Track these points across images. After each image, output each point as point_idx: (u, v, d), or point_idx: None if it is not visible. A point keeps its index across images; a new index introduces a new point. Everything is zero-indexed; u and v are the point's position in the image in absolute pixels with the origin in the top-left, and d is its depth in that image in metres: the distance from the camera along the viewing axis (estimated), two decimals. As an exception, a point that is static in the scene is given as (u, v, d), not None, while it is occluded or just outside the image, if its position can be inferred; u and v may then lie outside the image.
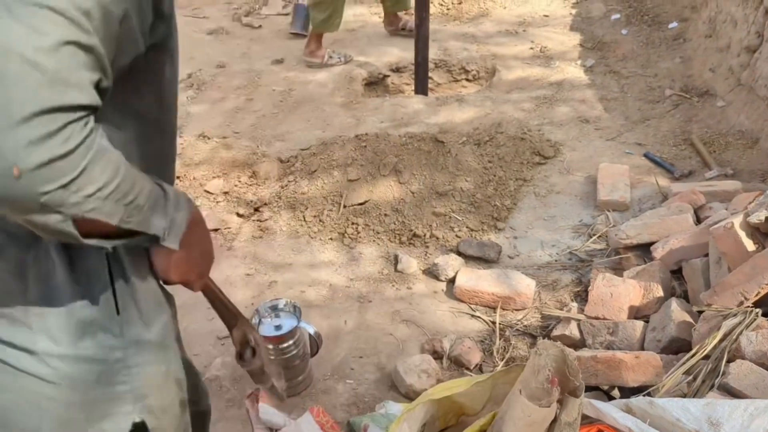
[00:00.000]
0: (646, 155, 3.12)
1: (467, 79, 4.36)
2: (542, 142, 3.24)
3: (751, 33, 3.28)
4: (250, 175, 3.06)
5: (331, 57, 4.15)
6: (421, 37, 3.77)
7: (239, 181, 3.02)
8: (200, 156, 3.17)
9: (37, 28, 0.68)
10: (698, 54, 3.86)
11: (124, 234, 0.84)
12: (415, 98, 3.84)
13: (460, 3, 4.97)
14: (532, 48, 4.33)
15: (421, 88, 3.90)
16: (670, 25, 4.29)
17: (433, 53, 4.22)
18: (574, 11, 4.76)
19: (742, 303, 1.84)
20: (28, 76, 0.67)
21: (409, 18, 4.44)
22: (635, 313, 2.14)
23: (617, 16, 4.54)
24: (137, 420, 1.00)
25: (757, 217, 1.91)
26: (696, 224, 2.40)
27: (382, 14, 4.58)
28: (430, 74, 4.19)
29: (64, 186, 0.71)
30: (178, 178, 3.08)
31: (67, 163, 0.71)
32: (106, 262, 0.92)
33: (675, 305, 1.99)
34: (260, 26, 4.74)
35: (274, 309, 1.99)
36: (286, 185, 2.97)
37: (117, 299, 0.93)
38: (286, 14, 4.85)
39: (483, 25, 4.71)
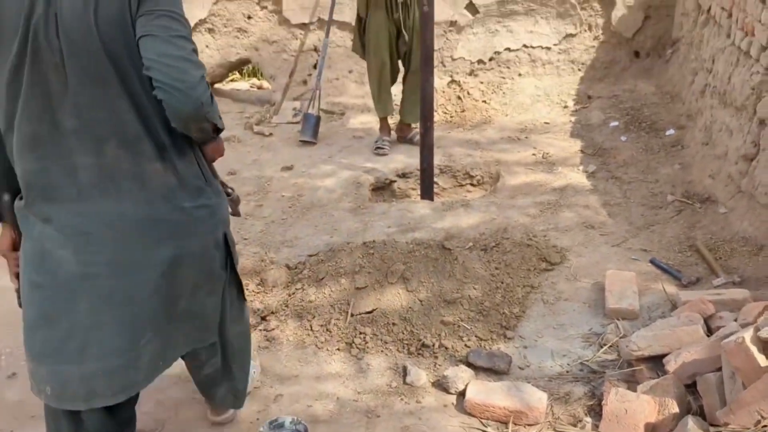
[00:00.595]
0: (652, 261, 3.14)
1: (472, 184, 4.46)
2: (548, 248, 3.27)
3: (747, 142, 3.38)
4: (258, 283, 3.08)
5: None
6: (426, 144, 3.90)
7: (247, 289, 3.03)
8: (209, 263, 3.20)
9: (175, 43, 1.58)
10: (697, 161, 3.96)
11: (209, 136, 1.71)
12: (421, 203, 3.91)
13: (463, 111, 5.17)
14: (534, 154, 4.46)
15: (427, 193, 3.99)
16: (667, 132, 4.44)
17: (438, 159, 4.35)
18: (573, 119, 4.94)
19: (759, 422, 1.79)
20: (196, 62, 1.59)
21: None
22: (651, 431, 2.08)
23: (616, 123, 4.71)
24: (225, 232, 1.87)
25: (767, 332, 1.89)
26: (707, 335, 2.38)
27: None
28: (435, 179, 4.29)
29: (211, 108, 1.61)
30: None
31: (211, 97, 1.60)
32: (195, 158, 1.74)
33: (692, 423, 1.94)
34: (271, 134, 4.92)
35: (280, 428, 1.94)
36: (294, 293, 2.98)
37: (204, 175, 1.77)
38: (297, 122, 5.05)
39: (486, 132, 4.88)
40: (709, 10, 4.30)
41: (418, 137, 4.43)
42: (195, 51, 1.61)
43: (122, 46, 1.53)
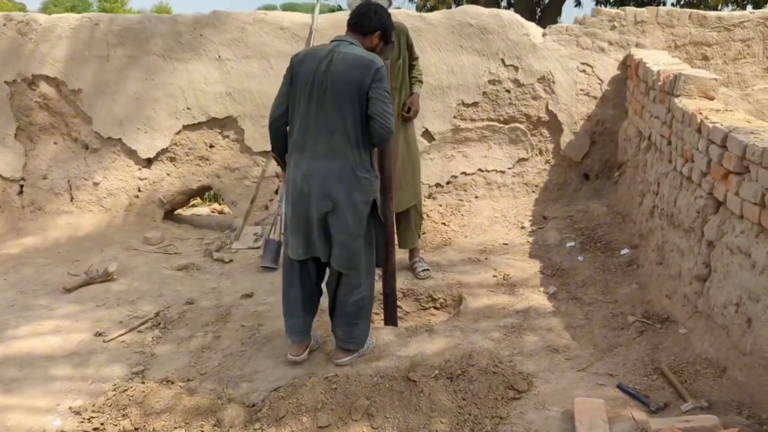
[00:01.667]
0: (619, 387, 3.09)
1: (435, 307, 4.44)
2: (515, 374, 3.21)
3: (698, 263, 3.48)
4: (213, 424, 2.91)
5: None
6: (388, 270, 3.89)
7: (202, 431, 2.86)
8: (162, 404, 3.03)
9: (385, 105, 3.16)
10: (653, 280, 4.05)
11: None
12: (385, 329, 3.84)
13: (423, 233, 5.24)
14: (495, 276, 4.49)
15: (391, 319, 3.94)
16: (622, 252, 4.56)
17: (401, 283, 4.35)
18: (531, 239, 5.05)
19: None
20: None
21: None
22: None
23: (572, 243, 4.82)
24: (375, 198, 3.24)
25: (743, 469, 1.84)
26: (682, 467, 2.31)
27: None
28: (398, 303, 4.26)
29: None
30: (136, 430, 2.91)
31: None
32: (369, 156, 3.22)
33: None
34: (231, 261, 4.87)
35: None
36: (252, 434, 2.81)
37: (372, 165, 3.23)
38: (257, 248, 5.02)
39: (446, 254, 4.93)
40: (650, 137, 4.58)
41: (421, 269, 4.53)
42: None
43: (359, 97, 3.07)
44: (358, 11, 3.30)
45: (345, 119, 3.06)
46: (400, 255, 4.74)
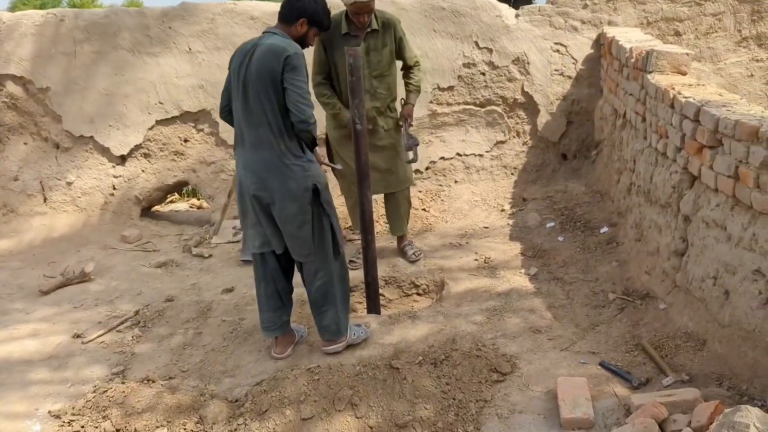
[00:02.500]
0: (601, 364, 3.11)
1: (418, 293, 4.43)
2: (498, 357, 3.21)
3: (675, 238, 3.50)
4: (196, 421, 2.88)
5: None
6: (369, 258, 3.86)
7: (185, 429, 2.83)
8: (143, 403, 2.99)
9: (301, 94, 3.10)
10: (632, 257, 4.07)
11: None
12: (367, 318, 3.82)
13: (405, 220, 5.22)
14: (476, 259, 4.49)
15: (374, 308, 3.91)
16: (602, 230, 4.58)
17: (383, 270, 4.33)
18: (511, 221, 5.05)
19: None
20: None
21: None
22: None
23: (552, 224, 4.83)
24: (315, 183, 3.13)
25: (722, 440, 1.85)
26: (664, 441, 2.32)
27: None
28: (381, 291, 4.24)
29: (310, 129, 3.08)
30: (118, 431, 2.87)
31: (313, 125, 3.11)
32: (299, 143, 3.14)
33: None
34: (210, 256, 4.82)
35: None
36: (236, 429, 2.79)
37: (303, 150, 3.13)
38: (237, 242, 4.98)
39: (427, 240, 4.92)
40: (624, 114, 4.59)
41: (411, 252, 4.51)
42: (309, 94, 3.09)
43: (273, 88, 3.03)
44: None
45: (265, 110, 3.03)
46: (388, 242, 4.73)
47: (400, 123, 4.36)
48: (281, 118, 3.04)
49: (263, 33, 3.18)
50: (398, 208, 4.56)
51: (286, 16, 3.16)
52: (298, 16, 3.15)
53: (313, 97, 3.18)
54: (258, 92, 3.03)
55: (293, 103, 2.98)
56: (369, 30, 4.13)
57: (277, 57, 2.99)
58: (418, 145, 4.36)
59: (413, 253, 4.56)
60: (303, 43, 3.20)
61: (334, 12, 4.29)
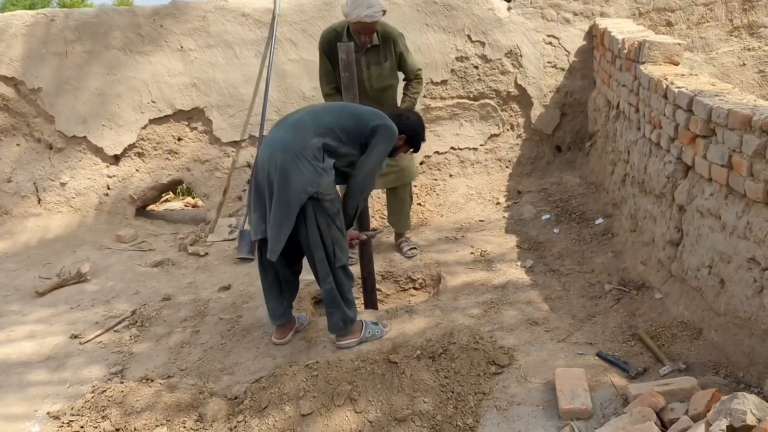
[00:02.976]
0: (599, 355, 3.13)
1: (414, 288, 4.44)
2: (496, 349, 3.22)
3: (670, 228, 3.51)
4: (196, 419, 2.88)
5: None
6: (365, 253, 3.87)
7: (184, 427, 2.83)
8: (142, 402, 2.99)
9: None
10: (627, 248, 4.08)
11: None
12: (365, 313, 3.83)
13: (401, 215, 5.22)
14: (472, 253, 4.50)
15: (371, 304, 3.93)
16: (597, 222, 4.59)
17: (379, 266, 4.33)
18: (506, 214, 5.06)
19: None
20: None
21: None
22: None
23: (547, 216, 4.84)
24: (316, 192, 3.03)
25: (718, 427, 1.87)
26: (661, 430, 2.34)
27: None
28: (378, 286, 4.25)
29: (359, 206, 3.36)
30: (117, 430, 2.87)
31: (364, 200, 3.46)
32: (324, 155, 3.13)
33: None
34: (206, 254, 4.81)
35: None
36: (235, 426, 2.79)
37: (324, 158, 3.12)
38: (233, 240, 4.97)
39: (423, 234, 4.92)
40: (618, 105, 4.60)
41: (408, 248, 4.52)
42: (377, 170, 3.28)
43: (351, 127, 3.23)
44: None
45: (333, 120, 3.19)
46: (384, 237, 4.73)
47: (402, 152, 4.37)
48: (335, 134, 3.13)
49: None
50: (403, 206, 4.58)
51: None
52: (401, 131, 3.38)
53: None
54: (347, 111, 3.25)
55: (368, 166, 3.18)
56: (369, 45, 4.15)
57: (378, 117, 3.24)
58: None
59: (409, 250, 4.56)
60: (392, 152, 3.40)
61: (336, 22, 4.31)
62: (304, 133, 3.07)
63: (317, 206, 3.06)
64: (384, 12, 4.06)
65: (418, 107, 5.42)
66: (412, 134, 3.46)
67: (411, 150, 3.58)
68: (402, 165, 4.39)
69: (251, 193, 3.27)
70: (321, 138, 3.08)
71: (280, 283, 3.36)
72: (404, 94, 4.39)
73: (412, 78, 4.37)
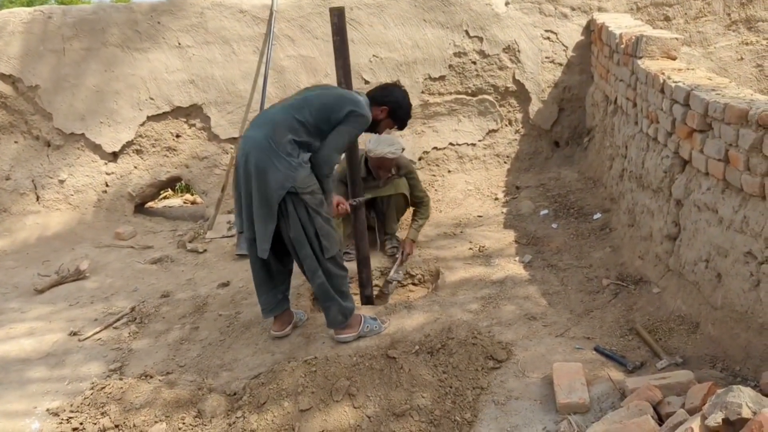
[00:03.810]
0: (596, 349, 3.13)
1: (413, 283, 4.44)
2: (494, 344, 3.23)
3: (668, 222, 3.52)
4: (195, 415, 2.89)
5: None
6: (361, 259, 3.87)
7: (183, 423, 2.84)
8: (141, 399, 3.00)
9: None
10: (625, 242, 4.09)
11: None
12: (363, 309, 3.84)
13: (398, 211, 5.23)
14: (471, 248, 4.50)
15: (366, 298, 3.94)
16: (595, 216, 4.59)
17: (379, 262, 4.34)
18: (505, 210, 5.07)
19: None
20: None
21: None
22: None
23: (546, 211, 4.85)
24: (293, 186, 3.08)
25: (714, 420, 1.88)
26: (658, 423, 2.35)
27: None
28: (376, 282, 4.26)
29: (327, 180, 3.28)
30: (117, 426, 2.88)
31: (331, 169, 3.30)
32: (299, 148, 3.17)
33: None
34: (205, 251, 4.81)
35: None
36: (234, 422, 2.80)
37: (299, 154, 3.14)
38: (231, 236, 4.97)
39: (422, 229, 4.91)
40: (615, 100, 4.60)
41: (389, 246, 4.57)
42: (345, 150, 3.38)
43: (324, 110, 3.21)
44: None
45: (303, 109, 3.17)
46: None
47: (397, 255, 4.45)
48: (304, 128, 3.12)
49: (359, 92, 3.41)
50: (391, 211, 4.58)
51: (375, 97, 3.40)
52: (383, 103, 3.39)
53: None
54: (311, 101, 3.17)
55: (330, 143, 3.15)
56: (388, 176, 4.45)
57: (353, 103, 3.19)
58: (398, 282, 4.41)
59: (390, 248, 4.58)
60: (375, 126, 3.40)
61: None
62: (278, 130, 3.09)
63: (296, 200, 3.10)
64: (403, 149, 4.39)
65: (416, 102, 5.43)
66: (395, 107, 3.43)
67: (396, 127, 3.54)
68: (394, 182, 4.50)
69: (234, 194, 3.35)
70: (294, 134, 3.10)
71: (272, 276, 3.38)
72: (413, 218, 4.63)
73: (420, 203, 4.61)
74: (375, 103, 3.39)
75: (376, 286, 4.19)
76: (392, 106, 3.43)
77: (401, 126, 3.56)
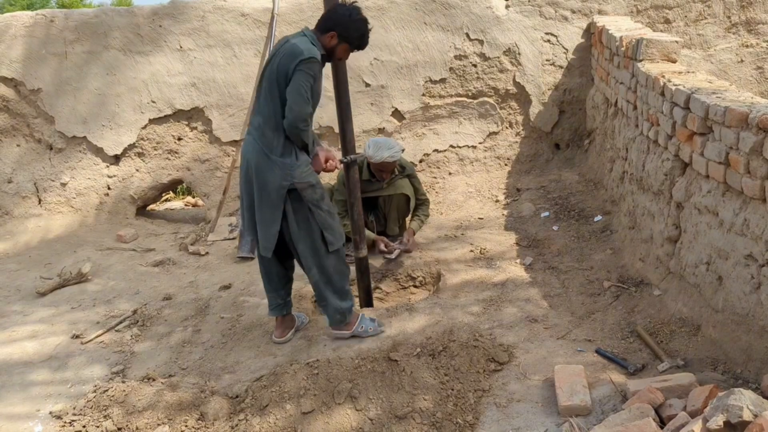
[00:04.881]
0: (598, 351, 3.14)
1: (415, 286, 4.45)
2: (495, 347, 3.24)
3: (668, 225, 3.53)
4: (197, 418, 2.90)
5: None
6: (362, 267, 3.86)
7: (186, 426, 2.85)
8: (144, 402, 3.01)
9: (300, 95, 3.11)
10: (626, 245, 4.10)
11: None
12: (365, 311, 3.84)
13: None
14: (472, 250, 4.51)
15: (367, 301, 3.94)
16: (596, 219, 4.60)
17: (378, 263, 4.35)
18: (506, 212, 5.08)
19: None
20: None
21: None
22: None
23: (546, 213, 4.86)
24: (292, 184, 3.15)
25: (715, 423, 1.89)
26: (660, 425, 2.35)
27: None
28: (378, 284, 4.27)
29: (302, 133, 3.11)
30: (119, 429, 2.89)
31: (305, 126, 3.13)
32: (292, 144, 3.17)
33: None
34: (207, 253, 4.83)
35: None
36: (237, 425, 2.81)
37: (294, 152, 3.17)
38: (233, 239, 4.99)
39: (423, 232, 4.92)
40: (616, 103, 4.61)
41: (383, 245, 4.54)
42: (308, 99, 3.10)
43: (281, 85, 3.09)
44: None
45: (268, 103, 3.12)
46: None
47: (399, 239, 4.52)
48: (280, 116, 3.10)
49: (302, 30, 3.23)
50: (393, 212, 4.58)
51: (319, 25, 3.20)
52: (329, 28, 3.15)
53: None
54: (270, 84, 3.10)
55: (288, 103, 3.03)
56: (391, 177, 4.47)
57: (293, 57, 3.03)
58: (397, 256, 4.45)
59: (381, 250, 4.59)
60: (332, 55, 3.20)
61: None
62: (265, 131, 3.14)
63: (296, 196, 3.17)
64: (403, 150, 4.45)
65: (417, 105, 5.45)
66: (342, 28, 3.11)
67: (354, 49, 3.21)
68: (396, 183, 4.51)
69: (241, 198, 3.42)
70: (279, 131, 3.12)
71: (276, 278, 3.42)
72: (414, 214, 4.65)
73: (420, 204, 4.65)
74: (321, 32, 3.15)
75: (379, 288, 4.20)
76: (338, 29, 3.11)
77: (359, 45, 3.20)
